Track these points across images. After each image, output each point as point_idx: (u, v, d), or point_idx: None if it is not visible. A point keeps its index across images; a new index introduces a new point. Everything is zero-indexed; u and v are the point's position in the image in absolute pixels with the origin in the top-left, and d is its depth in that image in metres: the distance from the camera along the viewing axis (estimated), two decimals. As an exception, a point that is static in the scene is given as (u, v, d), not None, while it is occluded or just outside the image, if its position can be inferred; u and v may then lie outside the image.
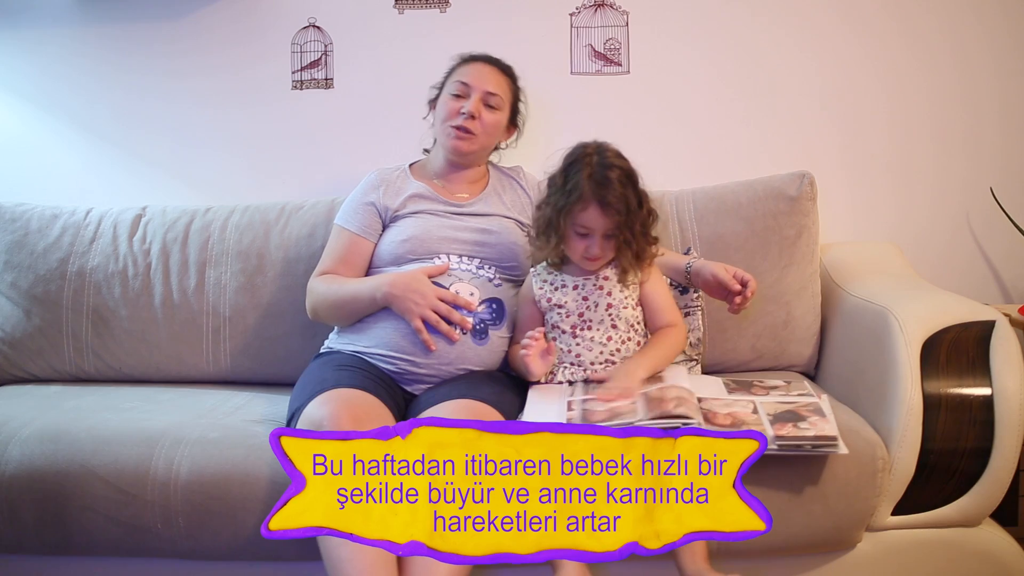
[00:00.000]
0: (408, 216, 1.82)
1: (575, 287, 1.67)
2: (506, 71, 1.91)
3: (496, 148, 1.96)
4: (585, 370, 1.64)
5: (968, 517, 1.55)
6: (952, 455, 1.52)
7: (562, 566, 1.38)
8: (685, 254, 1.90)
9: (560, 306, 1.66)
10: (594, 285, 1.66)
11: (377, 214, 1.84)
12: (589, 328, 1.65)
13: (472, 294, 1.72)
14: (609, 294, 1.66)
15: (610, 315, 1.65)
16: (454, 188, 1.88)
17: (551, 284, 1.68)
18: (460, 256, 1.76)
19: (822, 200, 1.99)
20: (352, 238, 1.82)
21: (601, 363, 1.64)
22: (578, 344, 1.65)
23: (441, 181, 1.89)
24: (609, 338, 1.65)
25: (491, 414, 1.52)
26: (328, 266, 1.82)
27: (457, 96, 1.85)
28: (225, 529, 1.51)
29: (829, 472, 1.49)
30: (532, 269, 1.72)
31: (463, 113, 1.82)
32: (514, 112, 1.93)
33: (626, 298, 1.66)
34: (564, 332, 1.66)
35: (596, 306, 1.65)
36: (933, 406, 1.52)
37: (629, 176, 1.60)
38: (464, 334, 1.68)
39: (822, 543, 1.54)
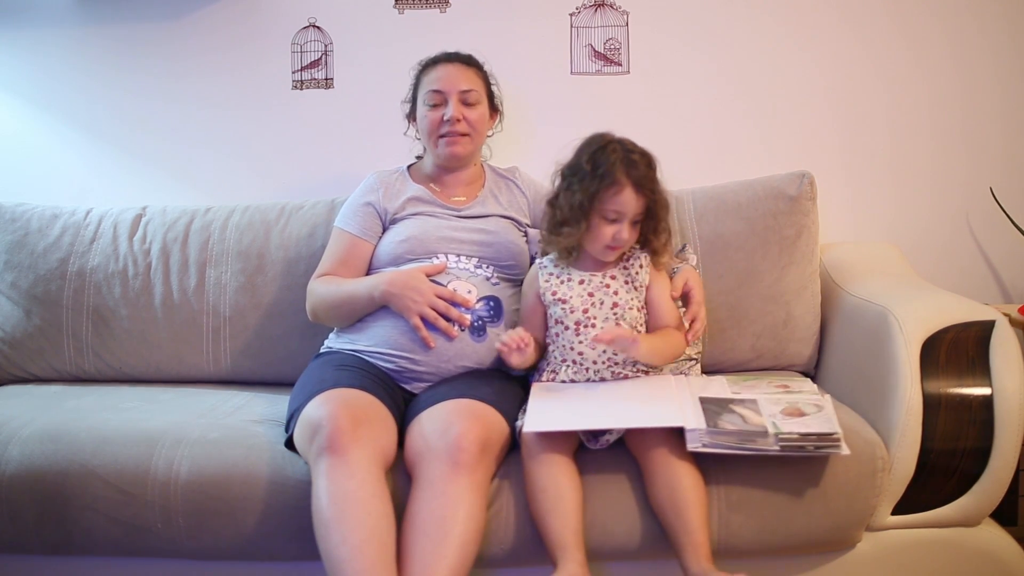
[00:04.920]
0: (407, 218, 1.82)
1: (581, 282, 1.66)
2: (470, 62, 1.89)
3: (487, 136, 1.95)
4: (587, 369, 1.64)
5: (968, 517, 1.55)
6: (952, 455, 1.52)
7: (564, 564, 1.38)
8: (681, 251, 1.89)
9: (564, 301, 1.66)
10: (600, 282, 1.66)
11: (376, 216, 1.84)
12: (593, 326, 1.64)
13: (470, 292, 1.72)
14: (615, 293, 1.65)
15: (615, 314, 1.65)
16: (450, 191, 1.88)
17: (557, 277, 1.68)
18: (458, 256, 1.77)
19: (822, 200, 1.99)
20: (352, 240, 1.82)
21: (604, 362, 1.64)
22: (581, 342, 1.65)
23: (437, 185, 1.89)
24: None
25: (490, 413, 1.52)
26: (327, 268, 1.83)
27: (434, 106, 1.83)
28: (225, 529, 1.52)
29: (829, 472, 1.49)
30: (538, 261, 1.72)
31: (447, 121, 1.81)
32: (491, 98, 1.92)
33: (632, 299, 1.66)
34: (567, 328, 1.65)
35: (601, 304, 1.65)
36: (933, 406, 1.52)
37: (651, 161, 1.62)
38: (462, 331, 1.68)
39: (822, 543, 1.54)
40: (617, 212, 1.59)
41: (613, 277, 1.67)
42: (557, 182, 1.67)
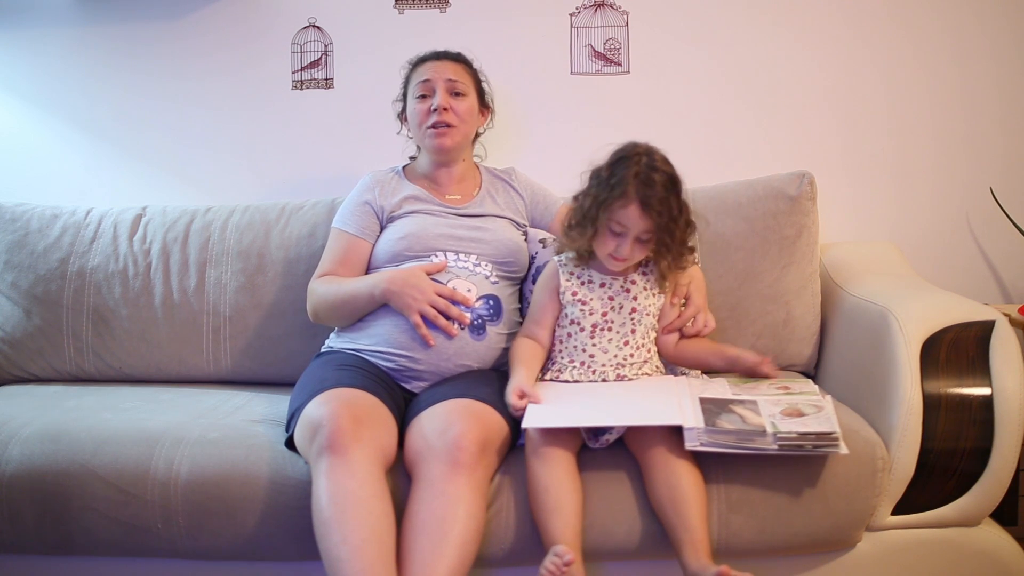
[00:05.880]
0: (405, 216, 1.82)
1: (602, 285, 1.66)
2: (458, 59, 1.91)
3: (476, 137, 1.95)
4: (594, 371, 1.64)
5: (968, 517, 1.55)
6: (952, 455, 1.52)
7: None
8: None
9: (584, 302, 1.65)
10: (621, 286, 1.66)
11: (374, 214, 1.84)
12: (609, 329, 1.64)
13: (469, 290, 1.72)
14: (635, 299, 1.65)
15: (632, 319, 1.65)
16: (445, 189, 1.88)
17: (578, 278, 1.67)
18: (457, 253, 1.77)
19: (822, 200, 1.99)
20: (350, 239, 1.83)
21: (612, 367, 1.64)
22: (594, 344, 1.65)
23: (432, 184, 1.89)
24: (626, 342, 1.65)
25: (490, 413, 1.52)
26: (327, 268, 1.83)
27: (423, 97, 1.85)
28: (225, 529, 1.52)
29: (829, 472, 1.49)
30: (557, 259, 1.70)
31: (434, 110, 1.83)
32: (481, 94, 1.93)
33: (650, 306, 1.66)
34: (583, 330, 1.65)
35: (621, 308, 1.65)
36: (933, 406, 1.52)
37: (673, 182, 1.58)
38: (462, 329, 1.68)
39: (822, 543, 1.54)
40: (621, 226, 1.56)
41: (633, 282, 1.67)
42: (586, 182, 1.65)
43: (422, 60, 1.91)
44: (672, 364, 1.75)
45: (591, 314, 1.65)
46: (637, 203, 1.55)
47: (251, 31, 2.30)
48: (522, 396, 1.53)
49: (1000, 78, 2.22)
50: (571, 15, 2.28)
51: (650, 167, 1.56)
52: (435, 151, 1.86)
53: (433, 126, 1.83)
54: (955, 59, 2.22)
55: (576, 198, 1.64)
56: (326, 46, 2.31)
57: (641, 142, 1.62)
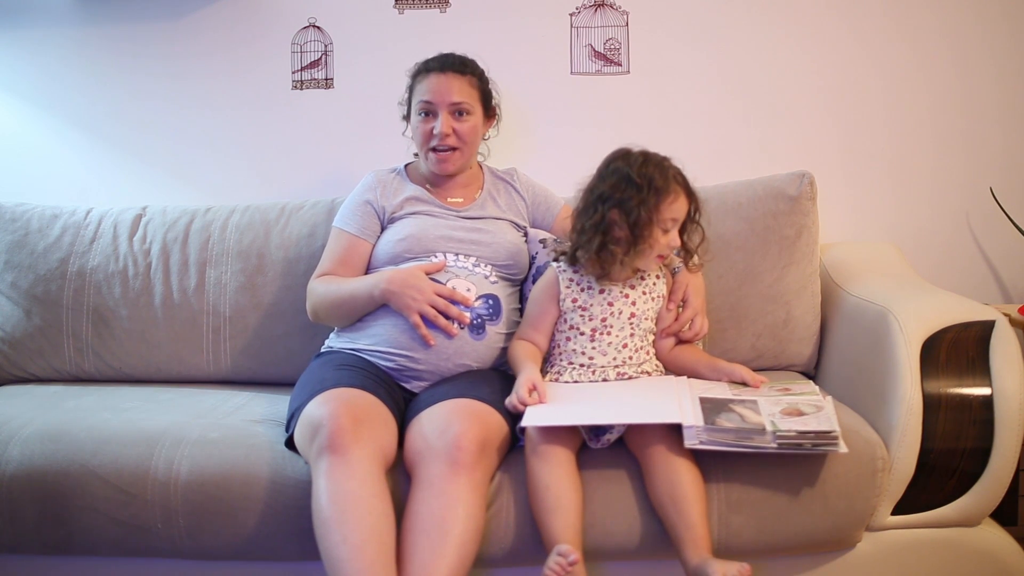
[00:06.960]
0: (405, 217, 1.82)
1: (602, 291, 1.66)
2: (464, 70, 1.84)
3: (483, 140, 1.94)
4: (594, 372, 1.65)
5: (968, 517, 1.56)
6: (952, 455, 1.52)
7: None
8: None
9: (584, 308, 1.66)
10: (620, 292, 1.67)
11: (375, 214, 1.84)
12: (608, 333, 1.65)
13: (469, 290, 1.72)
14: (634, 304, 1.66)
15: (631, 324, 1.66)
16: (447, 192, 1.88)
17: (578, 284, 1.67)
18: (456, 254, 1.76)
19: (822, 200, 1.99)
20: (351, 239, 1.82)
21: (613, 367, 1.65)
22: (594, 348, 1.65)
23: (434, 186, 1.88)
24: (625, 345, 1.65)
25: (489, 413, 1.52)
26: (327, 268, 1.82)
27: (425, 116, 1.81)
28: (225, 529, 1.52)
29: (829, 472, 1.49)
30: (556, 265, 1.70)
31: (436, 135, 1.80)
32: (487, 102, 1.88)
33: (648, 310, 1.67)
34: (582, 334, 1.66)
35: (620, 313, 1.65)
36: (933, 406, 1.52)
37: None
38: (462, 329, 1.68)
39: (822, 543, 1.54)
40: (674, 220, 1.61)
41: (632, 287, 1.68)
42: (583, 200, 1.64)
43: (427, 70, 1.84)
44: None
45: (591, 319, 1.65)
46: (683, 191, 1.61)
47: (251, 31, 2.30)
48: (532, 389, 1.53)
49: (1000, 78, 2.22)
50: (571, 15, 2.28)
51: (660, 159, 1.62)
52: (437, 172, 1.85)
53: (434, 149, 1.82)
54: (954, 59, 2.22)
55: (602, 221, 1.60)
56: (326, 46, 2.31)
57: (624, 147, 1.65)
